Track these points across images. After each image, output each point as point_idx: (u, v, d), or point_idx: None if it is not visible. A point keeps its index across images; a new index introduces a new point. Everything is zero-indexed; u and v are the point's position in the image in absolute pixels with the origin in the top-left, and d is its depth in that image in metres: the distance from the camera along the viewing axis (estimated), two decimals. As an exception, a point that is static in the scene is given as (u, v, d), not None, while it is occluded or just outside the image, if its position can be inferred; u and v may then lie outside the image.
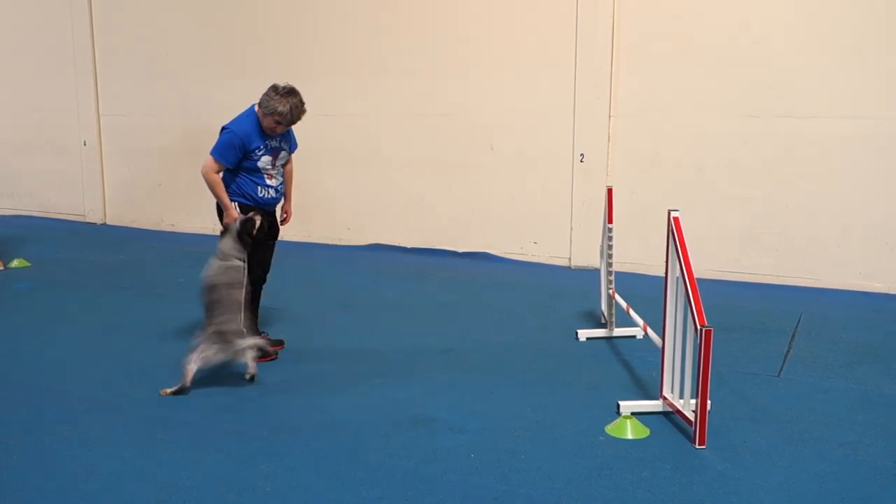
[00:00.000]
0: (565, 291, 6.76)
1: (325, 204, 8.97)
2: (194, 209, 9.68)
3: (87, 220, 10.59)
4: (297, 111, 4.92)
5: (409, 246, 8.50)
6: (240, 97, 9.24)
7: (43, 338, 5.49)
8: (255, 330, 4.91)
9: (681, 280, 3.88)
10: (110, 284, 7.07)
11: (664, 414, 4.06)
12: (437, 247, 8.33)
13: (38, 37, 10.67)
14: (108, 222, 10.43)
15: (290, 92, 4.90)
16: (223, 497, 3.24)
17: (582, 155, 7.58)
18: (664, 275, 4.11)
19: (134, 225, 10.20)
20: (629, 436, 3.82)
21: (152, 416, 4.09)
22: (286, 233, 9.04)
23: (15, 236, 9.26)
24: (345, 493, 3.27)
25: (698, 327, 3.59)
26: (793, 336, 5.44)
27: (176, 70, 9.67)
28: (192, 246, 8.95)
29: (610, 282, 5.45)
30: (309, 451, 3.67)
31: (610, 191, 5.49)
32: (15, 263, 7.74)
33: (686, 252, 3.87)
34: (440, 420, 4.02)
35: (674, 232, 3.99)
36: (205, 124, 9.55)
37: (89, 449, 3.70)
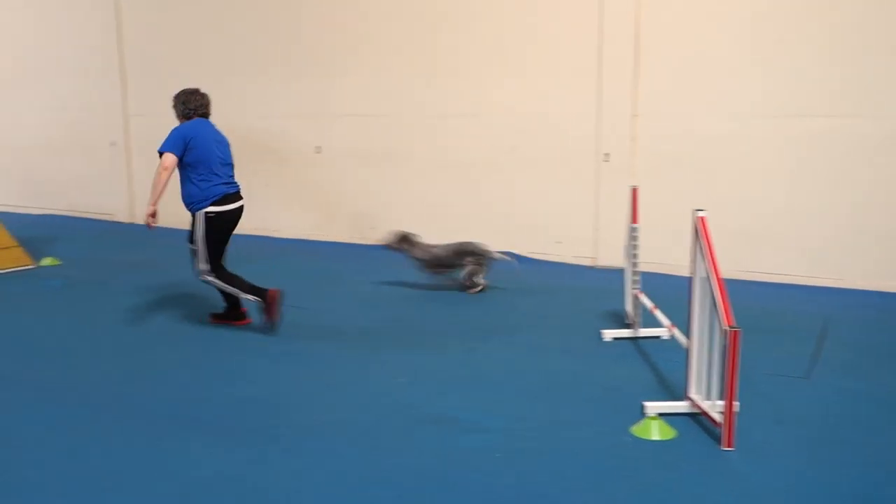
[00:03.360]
0: (590, 291, 6.74)
1: (349, 203, 9.02)
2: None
3: (115, 219, 10.73)
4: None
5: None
6: (268, 97, 9.39)
7: (70, 333, 5.56)
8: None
9: (707, 280, 3.86)
10: (136, 282, 7.16)
11: (690, 415, 4.04)
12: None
13: (68, 39, 10.82)
14: (135, 221, 10.55)
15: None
16: (243, 496, 3.26)
17: (606, 154, 7.56)
18: (690, 275, 4.08)
19: (165, 225, 10.28)
20: (654, 437, 3.80)
21: (172, 413, 4.13)
22: (310, 232, 9.18)
23: (46, 235, 9.40)
24: (362, 492, 3.28)
25: (726, 328, 3.56)
26: (819, 337, 5.38)
27: (203, 70, 9.75)
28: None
29: (635, 282, 5.43)
30: (328, 450, 3.68)
31: (635, 190, 5.47)
32: (46, 262, 7.86)
33: (713, 252, 3.85)
34: (461, 419, 4.03)
35: (700, 232, 3.97)
36: (232, 124, 9.64)
37: (110, 446, 3.75)
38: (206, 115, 5.63)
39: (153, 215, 5.49)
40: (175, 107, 5.62)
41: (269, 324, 5.48)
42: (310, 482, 3.37)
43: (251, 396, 4.36)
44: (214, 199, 5.42)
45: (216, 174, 5.44)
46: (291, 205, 9.39)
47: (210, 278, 5.50)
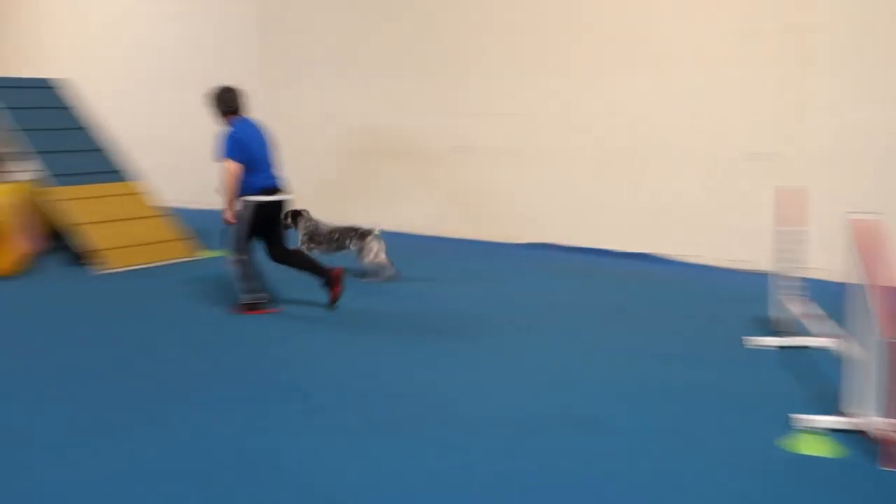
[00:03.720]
0: (735, 296, 6.51)
1: (494, 202, 9.11)
2: (360, 206, 10.13)
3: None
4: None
5: (575, 245, 8.47)
6: (403, 96, 9.64)
7: (222, 321, 5.95)
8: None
9: (867, 287, 3.66)
10: (282, 274, 7.54)
11: (844, 431, 3.84)
12: (604, 247, 8.26)
13: (215, 42, 11.49)
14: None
15: None
16: (390, 490, 3.35)
17: (755, 154, 7.27)
18: (848, 281, 3.88)
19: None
20: (805, 452, 3.65)
21: (323, 403, 4.31)
22: (452, 230, 9.34)
23: (212, 229, 10.03)
24: (497, 491, 3.33)
25: (885, 339, 3.38)
26: None
27: (340, 71, 10.12)
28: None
29: (786, 287, 5.21)
30: (471, 446, 3.76)
31: (787, 192, 5.25)
32: (211, 253, 8.43)
33: (874, 258, 3.65)
34: (599, 422, 4.02)
35: (860, 236, 3.77)
36: (372, 124, 10.01)
37: (266, 431, 3.96)
38: (242, 111, 6.00)
39: (230, 214, 5.87)
40: (215, 105, 5.99)
41: (332, 299, 6.01)
42: (448, 476, 3.44)
43: (405, 388, 4.51)
44: (258, 190, 5.82)
45: (261, 170, 5.90)
46: (429, 202, 9.59)
47: (236, 258, 5.92)
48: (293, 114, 10.89)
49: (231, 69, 11.50)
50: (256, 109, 11.11)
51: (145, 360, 5.01)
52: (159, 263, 7.95)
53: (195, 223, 9.67)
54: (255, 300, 6.00)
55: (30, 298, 6.68)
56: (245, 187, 5.84)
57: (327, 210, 10.64)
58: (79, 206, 7.93)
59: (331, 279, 5.98)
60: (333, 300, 6.04)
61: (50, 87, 9.23)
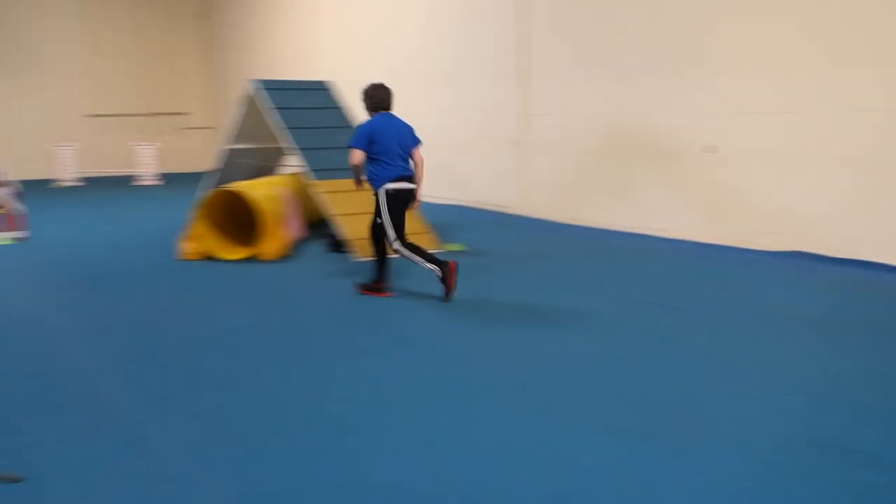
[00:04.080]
0: None
1: (743, 205, 8.57)
2: (607, 206, 9.98)
3: (512, 212, 11.54)
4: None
5: (836, 255, 7.73)
6: (651, 95, 9.33)
7: (463, 313, 6.12)
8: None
9: None
10: (525, 271, 7.63)
11: None
12: (870, 259, 7.44)
13: (480, 44, 11.86)
14: (529, 215, 11.24)
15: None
16: (622, 491, 3.29)
17: None
18: None
19: (553, 218, 10.85)
20: None
21: (555, 401, 4.32)
22: (695, 233, 8.92)
23: (454, 223, 10.47)
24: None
25: None
26: None
27: (603, 70, 10.01)
28: (600, 241, 9.24)
29: None
30: (711, 458, 3.56)
31: None
32: (451, 247, 8.76)
33: None
34: (865, 451, 3.61)
35: None
36: (627, 125, 9.81)
37: (496, 426, 4.02)
38: (388, 108, 6.47)
39: (359, 185, 6.58)
40: (363, 101, 6.51)
41: (447, 293, 6.32)
42: (686, 487, 3.29)
43: (630, 393, 4.39)
44: (391, 179, 6.34)
45: (393, 163, 6.35)
46: (679, 205, 9.21)
47: (397, 246, 6.42)
48: (541, 112, 11.00)
49: (485, 70, 11.87)
50: (508, 108, 11.48)
51: (396, 348, 5.30)
52: (405, 255, 8.37)
53: (437, 217, 10.11)
54: (378, 283, 6.60)
55: (288, 280, 7.32)
56: (378, 178, 6.38)
57: (573, 210, 10.68)
58: (336, 198, 8.57)
59: (446, 272, 6.31)
60: (448, 293, 6.35)
61: (319, 89, 10.08)
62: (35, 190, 15.16)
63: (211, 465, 3.49)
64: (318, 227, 9.73)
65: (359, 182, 6.56)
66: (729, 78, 8.54)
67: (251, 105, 9.73)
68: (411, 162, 6.56)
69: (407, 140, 6.51)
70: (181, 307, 6.43)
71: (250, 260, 8.16)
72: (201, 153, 20.45)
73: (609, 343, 5.32)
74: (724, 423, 3.95)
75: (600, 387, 4.48)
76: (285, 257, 8.30)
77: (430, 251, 6.62)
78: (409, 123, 6.60)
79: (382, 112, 6.50)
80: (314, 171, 8.79)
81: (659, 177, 9.38)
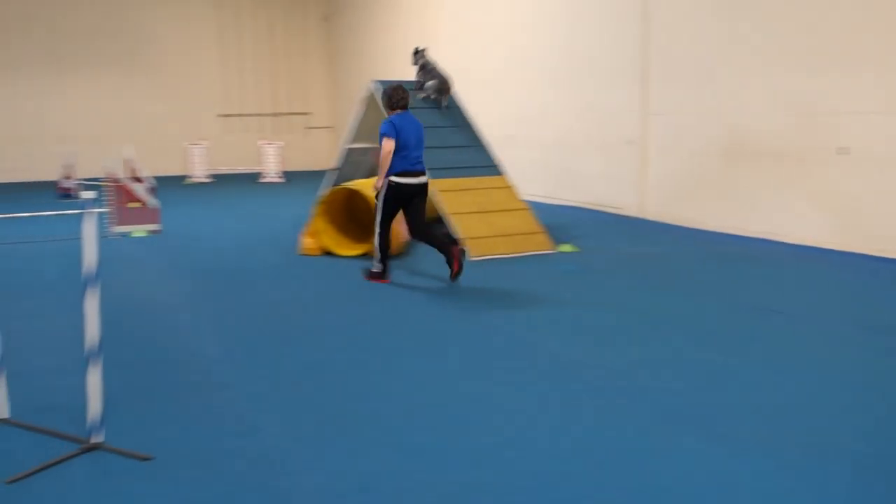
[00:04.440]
0: None
1: (871, 211, 8.07)
2: (728, 208, 9.63)
3: (627, 213, 11.32)
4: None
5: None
6: (780, 93, 8.91)
7: (577, 314, 6.05)
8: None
9: None
10: (640, 275, 7.46)
11: None
12: None
13: (597, 44, 11.69)
14: (645, 216, 11.00)
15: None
16: (713, 497, 3.19)
17: None
18: None
19: (668, 220, 10.58)
20: None
21: (666, 408, 4.21)
22: (824, 240, 8.47)
23: (568, 224, 10.38)
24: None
25: None
26: None
27: (722, 69, 9.68)
28: (721, 246, 8.93)
29: None
30: (827, 475, 3.38)
31: None
32: (565, 248, 8.68)
33: None
34: None
35: None
36: (749, 125, 9.43)
37: (615, 434, 3.97)
38: (405, 107, 7.16)
39: (378, 188, 7.10)
40: (383, 99, 7.37)
41: (453, 274, 6.99)
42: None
43: (742, 402, 4.23)
44: (397, 171, 6.94)
45: (406, 156, 6.97)
46: (804, 209, 8.77)
47: (376, 230, 7.10)
48: (659, 112, 10.73)
49: (602, 70, 11.70)
50: (626, 107, 11.27)
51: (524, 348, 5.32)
52: (518, 255, 8.36)
53: (551, 217, 10.05)
54: (380, 271, 7.21)
55: (403, 277, 7.46)
56: (393, 169, 6.96)
57: (692, 213, 10.36)
58: (450, 196, 8.65)
59: (450, 256, 6.97)
60: (453, 274, 7.00)
61: (435, 89, 10.18)
62: (170, 186, 16.08)
63: (322, 455, 3.61)
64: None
65: (380, 180, 7.04)
66: (862, 75, 8.06)
67: (371, 105, 9.96)
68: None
69: (421, 135, 7.19)
70: (299, 300, 6.66)
71: (366, 256, 8.35)
72: (322, 152, 21.12)
73: (722, 351, 5.14)
74: (837, 436, 3.75)
75: (711, 394, 4.34)
76: (399, 254, 8.45)
77: (389, 258, 7.33)
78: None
79: (401, 111, 7.17)
80: (429, 169, 8.90)
81: (783, 179, 8.97)
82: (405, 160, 6.99)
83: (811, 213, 8.69)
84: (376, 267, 7.21)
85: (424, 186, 7.17)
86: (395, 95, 7.17)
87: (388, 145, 6.91)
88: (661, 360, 4.97)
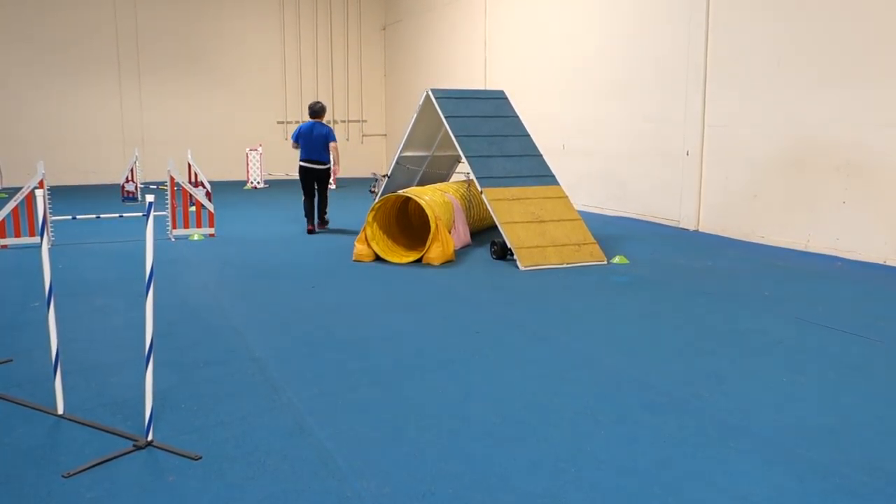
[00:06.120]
0: None
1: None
2: (788, 223, 9.41)
3: (681, 225, 11.13)
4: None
5: None
6: (843, 105, 8.66)
7: (629, 328, 5.96)
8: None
9: None
10: (695, 288, 7.32)
11: None
12: None
13: (657, 55, 11.55)
14: (700, 229, 10.80)
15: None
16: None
17: None
18: None
19: (725, 234, 10.37)
20: None
21: (725, 427, 4.12)
22: (881, 255, 8.20)
23: (619, 235, 10.26)
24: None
25: None
26: None
27: (783, 79, 9.47)
28: (780, 260, 8.72)
29: None
30: None
31: None
32: (616, 259, 8.57)
33: None
34: None
35: None
36: (808, 135, 9.20)
37: (662, 444, 3.90)
38: (316, 116, 10.75)
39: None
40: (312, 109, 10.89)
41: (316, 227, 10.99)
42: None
43: (804, 423, 4.11)
44: (302, 160, 10.68)
45: (308, 151, 10.65)
46: (870, 224, 8.51)
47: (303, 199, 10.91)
48: (715, 123, 10.56)
49: (657, 80, 11.56)
50: (681, 118, 11.11)
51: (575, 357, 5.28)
52: (569, 265, 8.29)
53: (602, 228, 9.94)
54: (309, 225, 10.78)
55: (452, 282, 7.46)
56: (300, 158, 10.72)
57: (749, 226, 10.14)
58: (502, 205, 8.63)
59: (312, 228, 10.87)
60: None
61: (492, 98, 10.21)
62: (229, 190, 16.38)
63: (369, 461, 3.62)
64: (485, 233, 9.84)
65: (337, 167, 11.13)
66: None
67: (425, 113, 10.01)
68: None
69: (321, 138, 10.66)
70: (351, 305, 6.71)
71: (417, 263, 8.38)
72: (375, 158, 21.29)
73: (787, 368, 5.01)
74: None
75: (774, 414, 4.23)
76: (451, 262, 8.46)
77: (312, 214, 10.88)
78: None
79: (312, 119, 10.73)
80: (483, 178, 8.91)
81: (847, 193, 8.72)
82: (306, 153, 10.69)
83: (879, 228, 8.43)
84: (308, 222, 10.91)
85: (314, 171, 10.72)
86: (310, 108, 10.75)
87: (292, 146, 10.96)
88: (720, 374, 4.86)
